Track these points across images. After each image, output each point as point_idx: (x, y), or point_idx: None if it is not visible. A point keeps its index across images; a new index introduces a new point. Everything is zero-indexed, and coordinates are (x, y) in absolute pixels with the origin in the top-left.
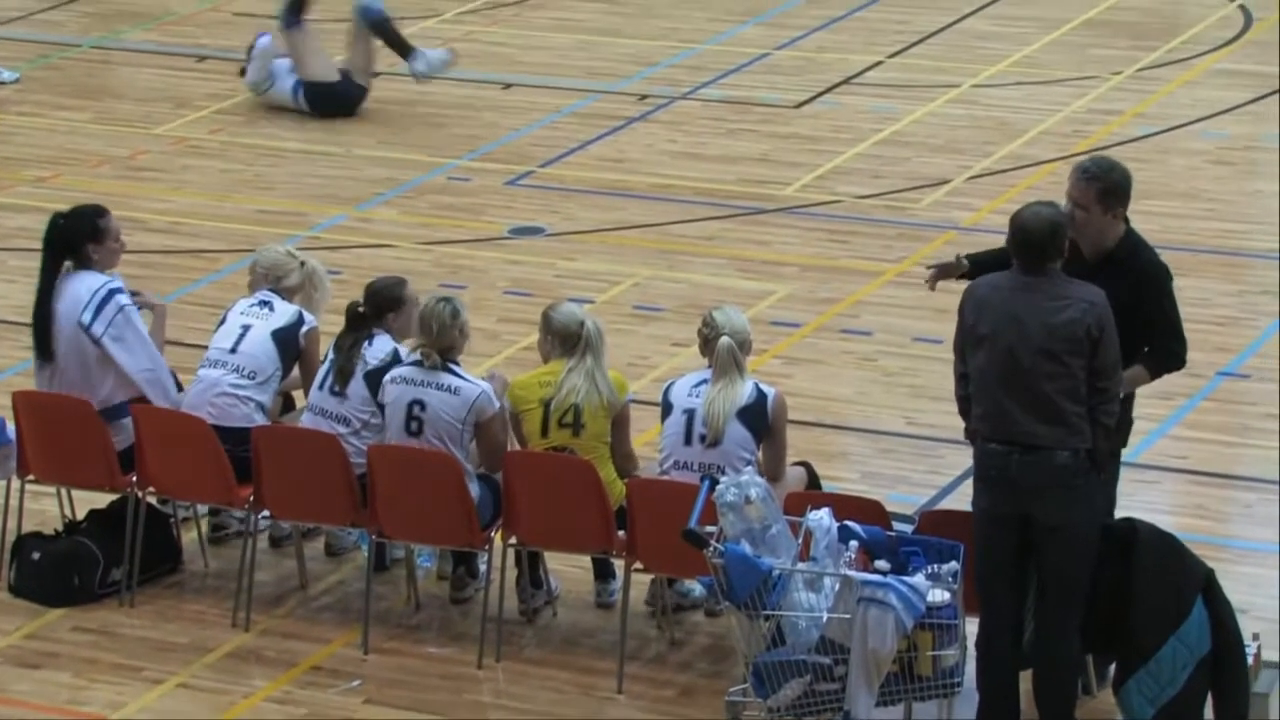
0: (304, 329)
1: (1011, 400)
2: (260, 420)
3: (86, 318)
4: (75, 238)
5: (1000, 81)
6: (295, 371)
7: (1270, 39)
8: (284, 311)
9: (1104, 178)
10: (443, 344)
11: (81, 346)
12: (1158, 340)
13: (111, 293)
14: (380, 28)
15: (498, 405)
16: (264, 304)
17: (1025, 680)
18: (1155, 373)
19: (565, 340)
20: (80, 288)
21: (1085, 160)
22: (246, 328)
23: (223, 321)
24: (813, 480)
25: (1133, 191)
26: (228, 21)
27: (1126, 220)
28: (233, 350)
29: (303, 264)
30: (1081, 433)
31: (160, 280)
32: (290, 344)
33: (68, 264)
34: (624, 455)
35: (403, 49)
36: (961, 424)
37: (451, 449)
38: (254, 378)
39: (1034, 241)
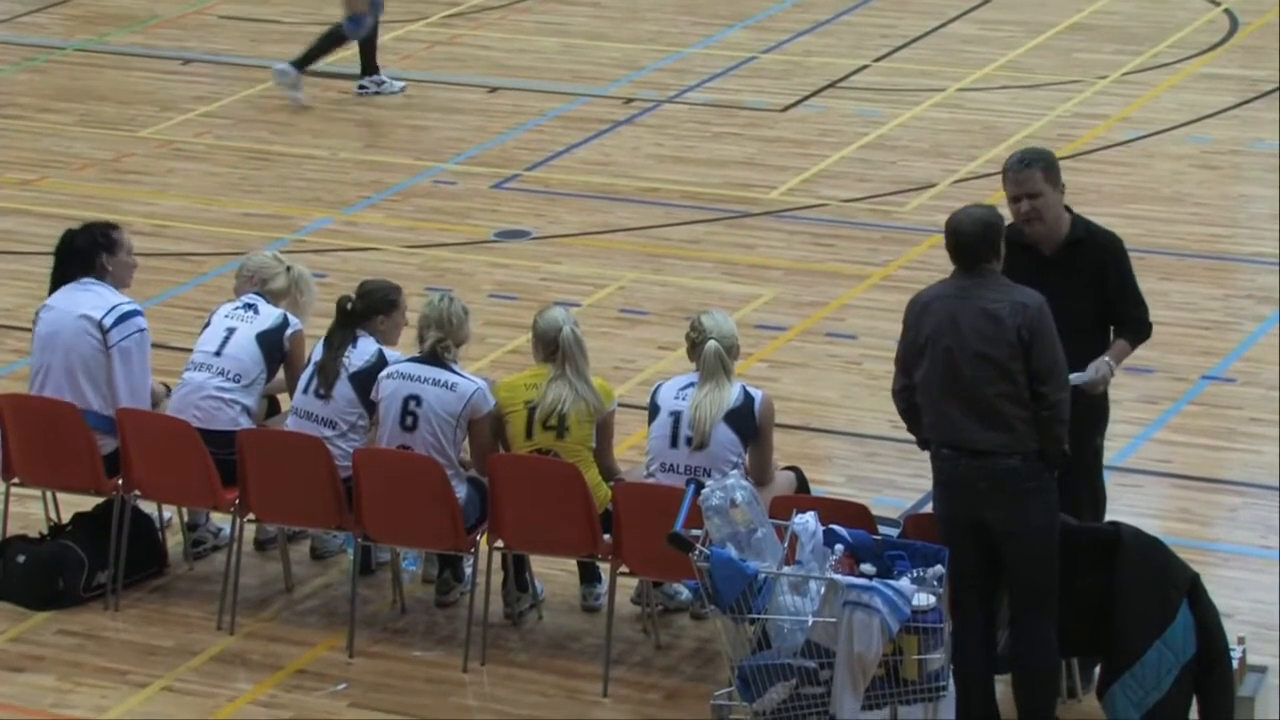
0: (289, 331)
1: (954, 406)
2: (246, 423)
3: (108, 321)
4: (89, 248)
5: (986, 85)
6: (280, 374)
7: (1255, 44)
8: (269, 314)
9: (1041, 158)
10: (459, 338)
11: (82, 347)
12: (1129, 310)
13: (133, 313)
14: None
15: (492, 403)
16: (249, 307)
17: (1003, 682)
18: (1134, 344)
19: (546, 345)
20: (98, 297)
21: (1010, 157)
22: (231, 330)
23: (207, 325)
24: (802, 485)
25: (1115, 193)
26: (213, 25)
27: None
28: (217, 353)
29: (289, 268)
30: (1028, 436)
31: (146, 284)
32: (275, 346)
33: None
34: (605, 468)
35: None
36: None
37: (445, 445)
38: (239, 380)
39: (966, 242)
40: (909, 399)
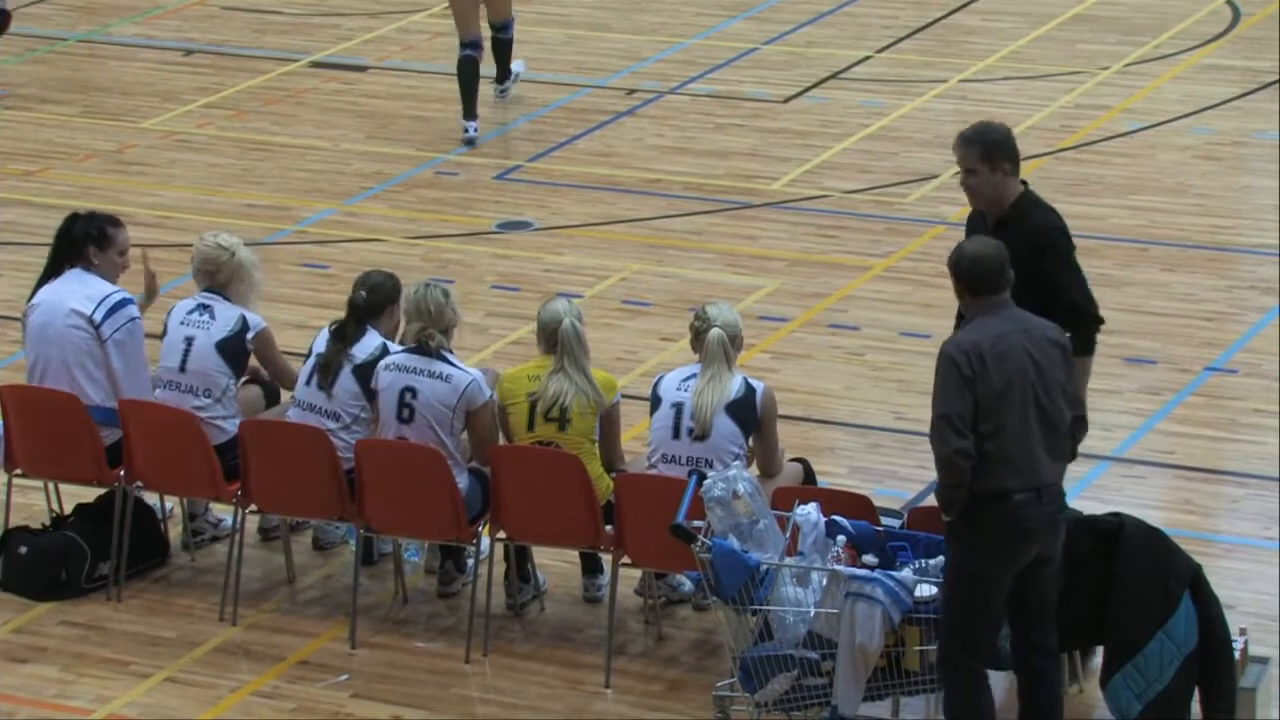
0: (250, 335)
1: (1039, 444)
2: (231, 429)
3: (99, 315)
4: (81, 238)
5: (988, 76)
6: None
7: (1257, 35)
8: (225, 319)
9: (982, 138)
10: (442, 324)
11: (75, 342)
12: (1066, 310)
13: (125, 302)
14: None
15: (488, 394)
16: (203, 309)
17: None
18: (1085, 349)
19: (547, 337)
20: (86, 287)
21: (965, 129)
22: (190, 340)
23: (165, 331)
24: (809, 477)
25: (1117, 184)
26: (215, 15)
27: (1024, 184)
28: (181, 369)
29: (232, 254)
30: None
31: None
32: (238, 353)
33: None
34: (613, 458)
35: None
36: None
37: (442, 436)
38: (210, 394)
39: (996, 269)
40: (973, 455)
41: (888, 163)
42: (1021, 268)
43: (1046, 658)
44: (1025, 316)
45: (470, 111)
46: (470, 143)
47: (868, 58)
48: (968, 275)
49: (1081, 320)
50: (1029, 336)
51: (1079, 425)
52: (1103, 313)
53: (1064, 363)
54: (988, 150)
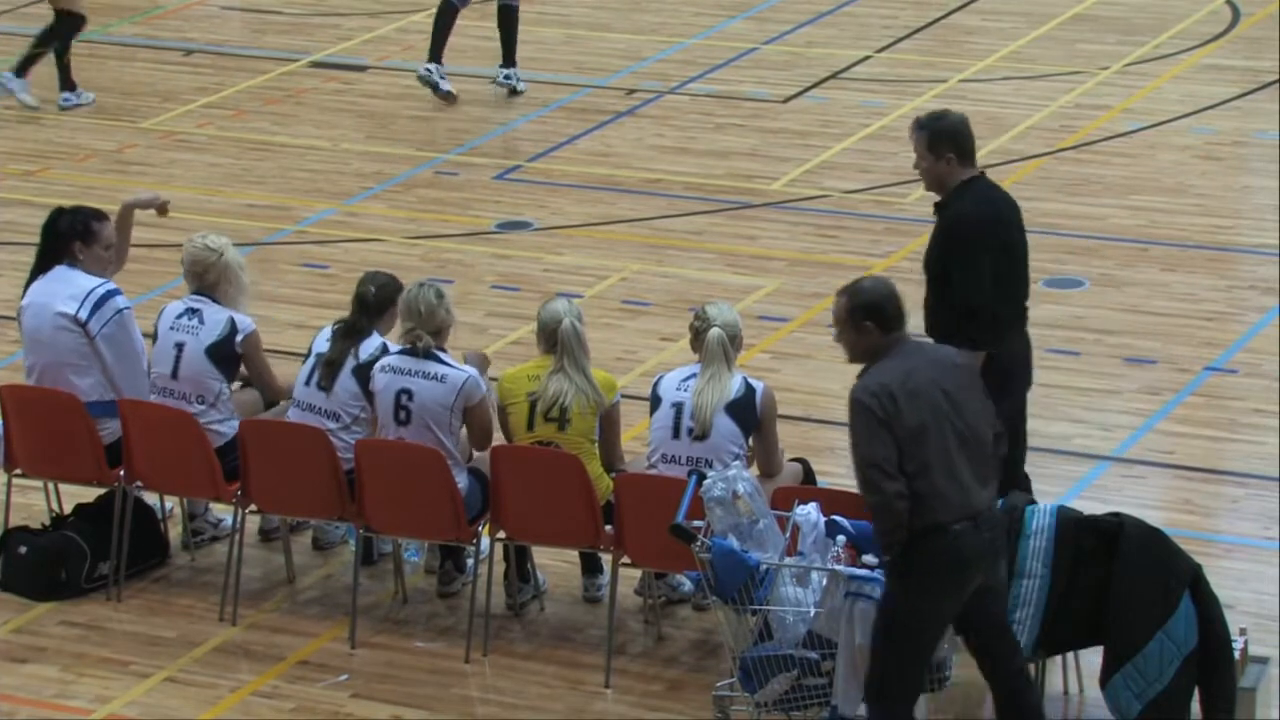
0: (239, 338)
1: (966, 472)
2: (227, 432)
3: (84, 313)
4: (66, 233)
5: (988, 76)
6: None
7: (1257, 34)
8: (214, 322)
9: (929, 126)
10: (432, 326)
11: (65, 343)
12: (952, 304)
13: (110, 294)
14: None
15: (485, 389)
16: (192, 313)
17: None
18: (971, 344)
19: (547, 337)
20: (70, 286)
21: (921, 114)
22: (180, 346)
23: (156, 334)
24: (808, 477)
25: (1117, 184)
26: (215, 16)
27: (981, 174)
28: (174, 376)
29: (220, 256)
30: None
31: (148, 274)
32: (228, 357)
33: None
34: (613, 458)
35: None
36: None
37: (440, 437)
38: (204, 400)
39: (899, 298)
40: (907, 495)
41: (888, 163)
42: (934, 246)
43: (1017, 676)
44: (924, 346)
45: (434, 54)
46: (432, 86)
47: (868, 58)
48: (883, 313)
49: (968, 316)
50: (935, 366)
51: (1000, 441)
52: (1119, 311)
53: (972, 383)
54: (932, 138)
